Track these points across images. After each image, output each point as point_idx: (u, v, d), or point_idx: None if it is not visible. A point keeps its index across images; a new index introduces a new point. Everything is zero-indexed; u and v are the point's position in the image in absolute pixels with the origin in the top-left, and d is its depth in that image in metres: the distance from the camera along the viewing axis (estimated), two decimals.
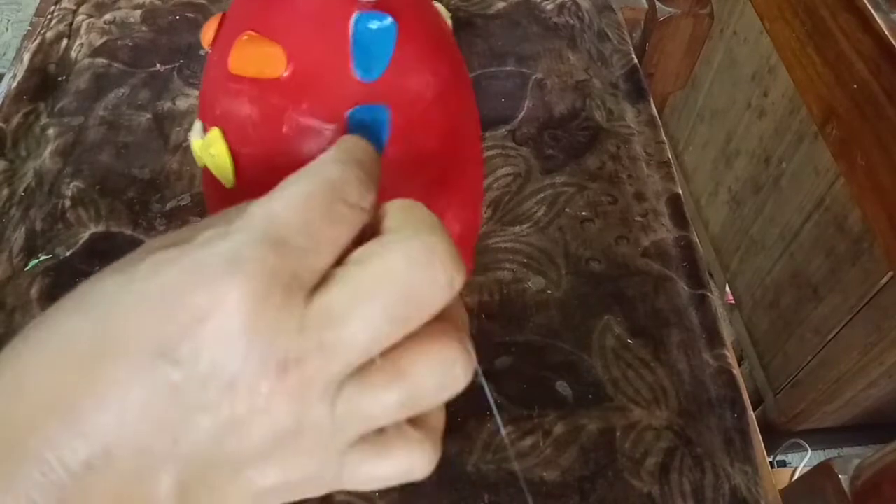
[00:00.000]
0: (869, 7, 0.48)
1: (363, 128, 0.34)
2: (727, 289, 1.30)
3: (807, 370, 1.06)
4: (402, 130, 0.35)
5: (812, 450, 1.16)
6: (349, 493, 0.41)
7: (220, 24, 0.36)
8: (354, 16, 0.32)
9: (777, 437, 1.17)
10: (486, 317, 0.49)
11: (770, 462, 1.18)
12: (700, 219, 1.36)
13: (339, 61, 0.32)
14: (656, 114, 0.64)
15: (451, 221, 0.42)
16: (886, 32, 0.46)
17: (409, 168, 0.38)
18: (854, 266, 0.93)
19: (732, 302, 1.28)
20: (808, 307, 1.04)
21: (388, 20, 0.32)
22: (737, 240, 1.24)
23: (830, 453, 1.18)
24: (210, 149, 0.34)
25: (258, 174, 0.34)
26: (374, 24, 0.32)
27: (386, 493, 0.42)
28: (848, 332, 0.97)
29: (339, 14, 0.32)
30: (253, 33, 0.32)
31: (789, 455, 1.21)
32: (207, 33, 0.36)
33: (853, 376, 0.99)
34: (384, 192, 0.23)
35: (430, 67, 0.35)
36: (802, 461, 1.17)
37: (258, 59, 0.32)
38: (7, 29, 1.54)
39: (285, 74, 0.32)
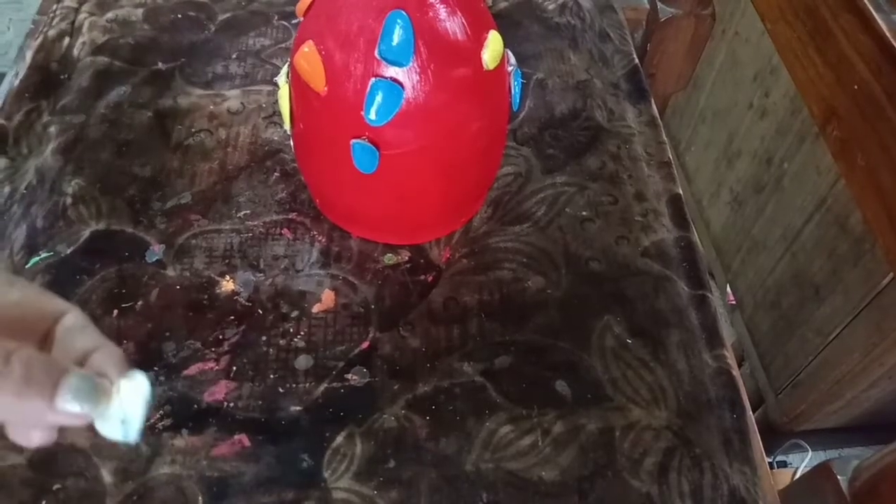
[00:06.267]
0: (870, 8, 0.48)
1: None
2: (728, 289, 1.30)
3: (808, 371, 1.06)
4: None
5: (813, 450, 1.15)
6: (348, 490, 0.41)
7: None
8: (371, 80, 0.41)
9: (778, 437, 1.16)
10: (485, 316, 0.49)
11: (771, 463, 1.17)
12: (702, 219, 1.36)
13: (357, 101, 0.42)
14: (657, 114, 0.64)
15: None
16: (887, 33, 0.46)
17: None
18: (856, 267, 0.93)
19: (734, 302, 1.28)
20: (810, 308, 1.04)
21: (396, 90, 0.42)
22: (738, 240, 1.24)
23: (831, 454, 1.18)
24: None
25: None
26: (380, 96, 0.42)
27: (385, 491, 0.42)
28: (849, 332, 0.96)
29: (365, 70, 0.42)
30: (312, 45, 0.42)
31: (790, 456, 1.20)
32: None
33: (854, 377, 0.98)
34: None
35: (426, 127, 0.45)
36: (803, 462, 1.16)
37: (309, 72, 0.43)
38: (9, 28, 1.54)
39: (325, 91, 0.43)
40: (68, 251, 0.51)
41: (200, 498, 0.41)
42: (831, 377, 1.03)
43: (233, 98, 0.62)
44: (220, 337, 0.47)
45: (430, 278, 0.51)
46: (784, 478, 1.11)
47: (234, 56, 0.65)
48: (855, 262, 0.94)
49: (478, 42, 0.44)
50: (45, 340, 0.28)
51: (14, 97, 0.59)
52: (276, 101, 0.61)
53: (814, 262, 1.03)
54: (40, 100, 0.60)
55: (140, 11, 0.68)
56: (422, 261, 0.52)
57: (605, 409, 0.46)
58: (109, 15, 0.68)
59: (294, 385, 0.46)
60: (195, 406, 0.44)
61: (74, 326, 0.28)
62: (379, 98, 0.41)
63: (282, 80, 0.48)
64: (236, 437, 0.43)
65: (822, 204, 1.00)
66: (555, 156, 0.60)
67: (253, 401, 0.45)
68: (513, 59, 0.50)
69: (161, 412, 0.44)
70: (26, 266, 0.50)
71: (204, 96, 0.62)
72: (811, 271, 1.03)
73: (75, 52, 0.64)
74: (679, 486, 0.43)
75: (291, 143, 0.52)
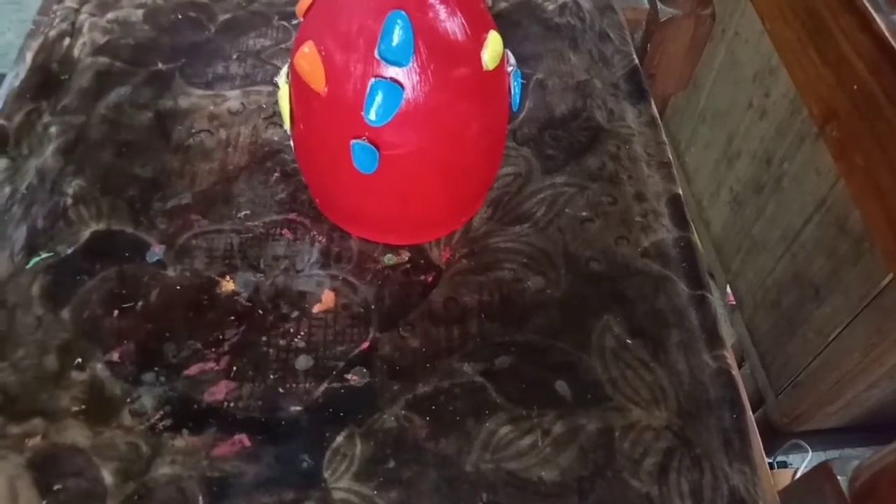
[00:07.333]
0: (869, 8, 0.48)
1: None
2: (728, 289, 1.30)
3: (808, 371, 1.06)
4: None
5: (813, 451, 1.15)
6: (348, 490, 0.41)
7: None
8: (371, 80, 0.41)
9: (778, 437, 1.16)
10: (485, 317, 0.50)
11: (771, 463, 1.17)
12: (701, 220, 1.36)
13: (357, 101, 0.42)
14: (657, 114, 0.64)
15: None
16: (886, 33, 0.46)
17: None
18: (855, 267, 0.93)
19: (734, 303, 1.28)
20: (810, 308, 1.04)
21: (396, 90, 0.41)
22: (738, 240, 1.24)
23: (831, 454, 1.18)
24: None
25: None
26: (379, 97, 0.41)
27: (385, 491, 0.42)
28: (849, 332, 0.96)
29: (365, 70, 0.42)
30: (312, 45, 0.42)
31: (790, 456, 1.20)
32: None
33: (854, 377, 0.98)
34: None
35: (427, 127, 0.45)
36: (804, 462, 1.16)
37: (309, 73, 0.43)
38: (9, 28, 1.55)
39: (325, 91, 0.43)
40: (69, 251, 0.51)
41: (201, 498, 0.41)
42: (831, 377, 1.03)
43: (233, 98, 0.62)
44: (221, 337, 0.48)
45: (430, 278, 0.51)
46: (784, 478, 1.11)
47: (234, 56, 0.66)
48: (855, 262, 0.94)
49: (477, 42, 0.44)
50: None
51: (14, 98, 0.59)
52: (276, 102, 0.61)
53: (814, 263, 1.03)
54: (41, 100, 0.60)
55: (140, 12, 0.69)
56: (422, 261, 0.52)
57: (605, 409, 0.46)
58: (110, 15, 0.68)
59: (294, 385, 0.46)
60: (195, 406, 0.44)
61: None
62: (379, 98, 0.41)
63: (282, 80, 0.48)
64: (236, 437, 0.43)
65: (822, 204, 1.00)
66: (554, 156, 0.60)
67: (253, 401, 0.45)
68: (512, 60, 0.50)
69: (161, 412, 0.44)
70: (26, 266, 0.50)
71: (204, 97, 0.62)
72: (811, 271, 1.03)
73: (76, 52, 0.64)
74: (679, 486, 0.43)
75: (292, 144, 0.52)
